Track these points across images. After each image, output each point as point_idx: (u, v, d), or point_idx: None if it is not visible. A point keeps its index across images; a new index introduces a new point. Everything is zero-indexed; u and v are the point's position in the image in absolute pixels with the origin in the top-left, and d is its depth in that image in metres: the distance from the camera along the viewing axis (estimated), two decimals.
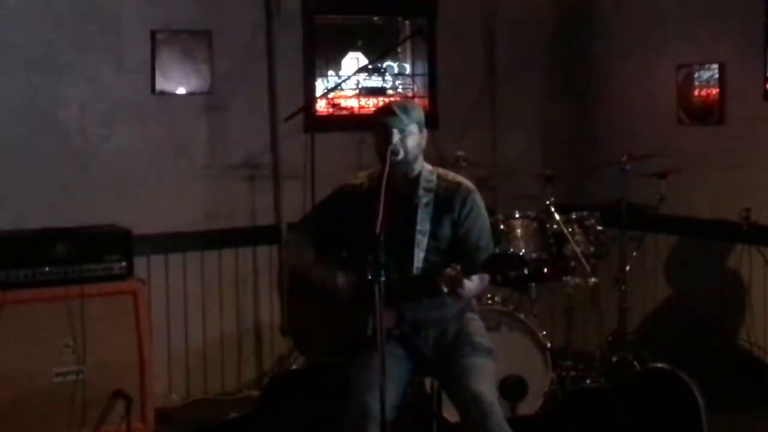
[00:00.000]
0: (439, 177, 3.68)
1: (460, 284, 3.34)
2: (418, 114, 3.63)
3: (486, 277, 3.55)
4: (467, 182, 3.71)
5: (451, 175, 3.73)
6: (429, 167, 3.70)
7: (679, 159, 5.43)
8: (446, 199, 3.63)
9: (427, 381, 4.10)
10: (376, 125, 3.59)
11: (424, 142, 3.65)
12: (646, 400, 4.34)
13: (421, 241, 3.60)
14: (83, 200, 5.05)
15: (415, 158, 3.62)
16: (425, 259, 3.59)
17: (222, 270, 5.50)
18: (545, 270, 5.01)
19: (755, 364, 5.26)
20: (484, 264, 3.38)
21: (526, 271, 3.36)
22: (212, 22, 5.37)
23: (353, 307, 3.56)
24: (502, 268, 3.44)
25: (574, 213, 5.11)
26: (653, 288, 5.82)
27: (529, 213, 5.03)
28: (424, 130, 3.65)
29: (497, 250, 3.68)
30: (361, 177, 3.77)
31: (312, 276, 3.70)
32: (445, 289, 3.37)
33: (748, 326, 5.36)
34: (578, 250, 4.97)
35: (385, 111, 3.62)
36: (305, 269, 3.74)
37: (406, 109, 3.60)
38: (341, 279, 3.59)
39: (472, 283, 3.42)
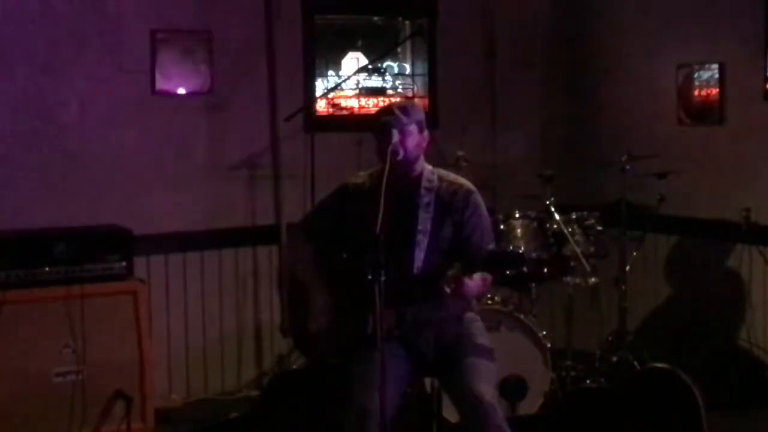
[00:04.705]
0: (439, 177, 3.69)
1: (461, 283, 3.34)
2: (419, 114, 3.63)
3: (488, 276, 3.55)
4: (468, 183, 3.72)
5: (452, 176, 3.74)
6: (429, 168, 3.71)
7: (679, 159, 5.43)
8: (447, 200, 3.64)
9: (427, 381, 4.11)
10: (377, 125, 3.59)
11: (425, 143, 3.66)
12: (646, 400, 4.35)
13: (422, 241, 3.60)
14: (83, 200, 5.05)
15: (416, 158, 3.63)
16: (425, 259, 3.59)
17: (222, 270, 5.49)
18: (545, 270, 5.02)
19: (755, 364, 5.26)
20: (484, 261, 3.38)
21: (525, 269, 3.35)
22: (212, 22, 5.37)
23: (354, 307, 3.57)
24: (501, 264, 3.43)
25: (574, 213, 5.11)
26: (653, 288, 5.82)
27: (529, 213, 5.03)
28: (425, 131, 3.66)
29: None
30: (362, 177, 3.77)
31: (305, 280, 3.72)
32: (448, 290, 3.37)
33: (748, 326, 5.36)
34: (578, 250, 4.97)
35: (386, 111, 3.63)
36: (301, 272, 3.75)
37: (406, 110, 3.61)
38: (320, 302, 3.64)
39: (474, 282, 3.43)
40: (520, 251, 4.73)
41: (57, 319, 4.55)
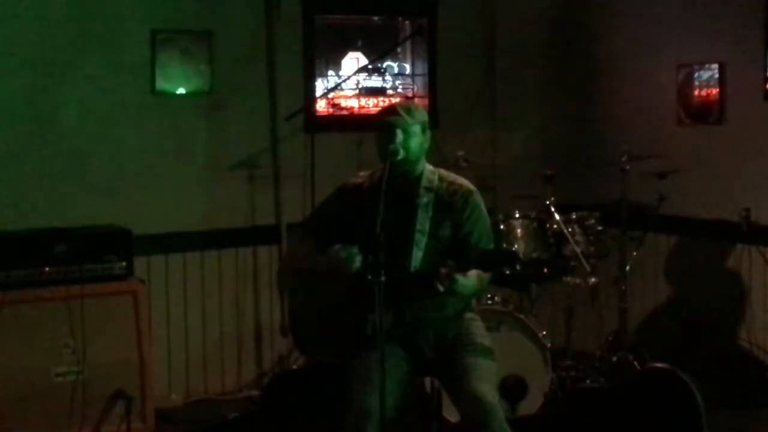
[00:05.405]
0: (440, 178, 3.69)
1: (453, 280, 3.34)
2: (422, 115, 3.64)
3: (486, 276, 3.55)
4: (468, 183, 3.72)
5: (452, 176, 3.74)
6: (431, 168, 3.71)
7: (679, 159, 5.43)
8: (447, 200, 3.64)
9: (427, 381, 4.10)
10: (380, 125, 3.59)
11: (427, 144, 3.66)
12: (646, 400, 4.35)
13: (420, 240, 3.60)
14: (83, 200, 5.05)
15: (417, 159, 3.63)
16: (424, 259, 3.59)
17: (222, 270, 5.49)
18: (545, 270, 5.02)
19: (755, 364, 5.26)
20: (477, 259, 3.38)
21: (518, 267, 3.35)
22: (212, 22, 5.37)
23: (353, 307, 3.56)
24: (493, 262, 3.43)
25: (574, 213, 5.11)
26: (653, 288, 5.82)
27: (529, 213, 5.04)
28: (428, 132, 3.66)
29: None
30: (362, 177, 3.77)
31: (320, 259, 3.66)
32: (441, 288, 3.37)
33: (748, 326, 5.36)
34: (578, 250, 4.97)
35: (389, 111, 3.63)
36: (312, 258, 3.72)
37: (409, 110, 3.61)
38: (345, 253, 3.56)
39: (468, 280, 3.42)
40: (514, 249, 4.73)
41: (57, 319, 4.55)
